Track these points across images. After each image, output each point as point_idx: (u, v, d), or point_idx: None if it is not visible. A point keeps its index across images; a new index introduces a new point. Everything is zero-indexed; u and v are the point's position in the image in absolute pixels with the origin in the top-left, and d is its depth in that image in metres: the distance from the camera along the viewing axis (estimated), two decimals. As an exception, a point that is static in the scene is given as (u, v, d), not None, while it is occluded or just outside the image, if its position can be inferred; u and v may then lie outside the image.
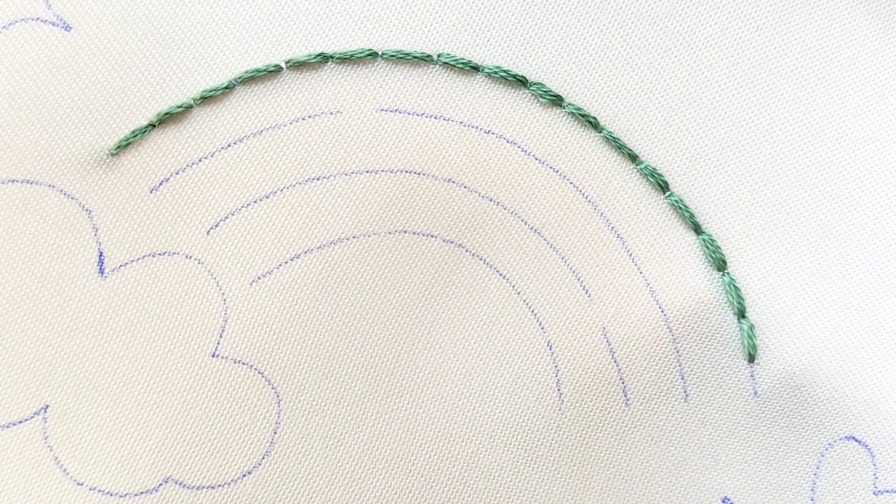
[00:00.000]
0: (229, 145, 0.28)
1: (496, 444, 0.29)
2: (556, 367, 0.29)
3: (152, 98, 0.28)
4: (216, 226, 0.28)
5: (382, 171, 0.29)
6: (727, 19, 0.30)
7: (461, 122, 0.29)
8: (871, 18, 0.30)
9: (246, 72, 0.28)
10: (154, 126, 0.28)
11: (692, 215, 0.29)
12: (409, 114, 0.29)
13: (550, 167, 0.29)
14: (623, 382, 0.29)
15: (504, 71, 0.29)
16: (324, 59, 0.29)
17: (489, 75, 0.29)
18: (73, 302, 0.28)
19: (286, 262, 0.28)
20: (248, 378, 0.28)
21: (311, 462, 0.28)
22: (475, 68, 0.29)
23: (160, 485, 0.28)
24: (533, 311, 0.29)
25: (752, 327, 0.29)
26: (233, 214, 0.28)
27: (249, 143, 0.28)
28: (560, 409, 0.29)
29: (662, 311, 0.29)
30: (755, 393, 0.29)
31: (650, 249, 0.29)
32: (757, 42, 0.30)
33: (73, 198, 0.28)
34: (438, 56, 0.29)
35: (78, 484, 0.28)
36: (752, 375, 0.29)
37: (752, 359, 0.29)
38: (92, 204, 0.28)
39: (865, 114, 0.30)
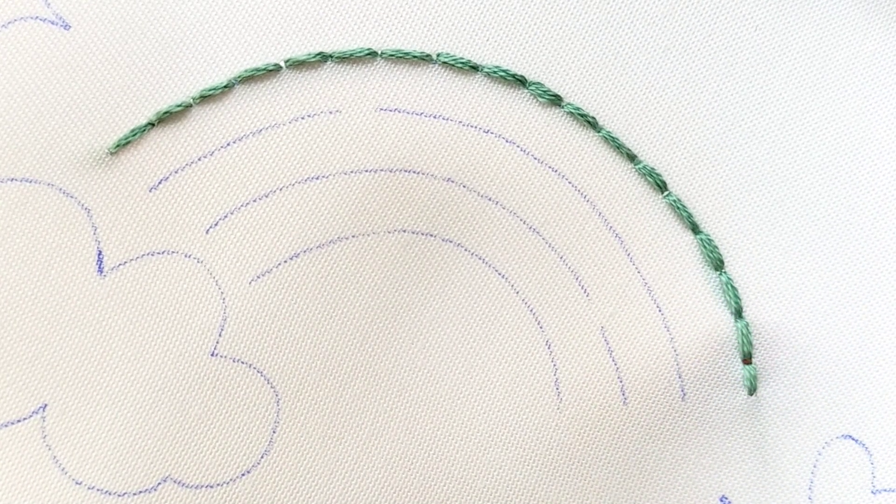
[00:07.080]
0: (228, 144, 0.28)
1: (495, 443, 0.29)
2: (554, 365, 0.29)
3: (152, 97, 0.28)
4: (215, 225, 0.28)
5: (381, 170, 0.29)
6: (726, 19, 0.30)
7: (460, 122, 0.29)
8: (870, 18, 0.30)
9: (245, 71, 0.28)
10: (153, 125, 0.28)
11: (690, 215, 0.30)
12: (408, 113, 0.29)
13: (549, 167, 0.29)
14: (621, 381, 0.29)
15: (503, 70, 0.29)
16: (323, 58, 0.29)
17: (488, 75, 0.29)
18: (71, 301, 0.28)
19: (285, 261, 0.28)
20: (248, 377, 0.28)
21: (310, 461, 0.28)
22: (474, 68, 0.29)
23: (159, 484, 0.28)
24: (531, 310, 0.29)
25: (747, 326, 0.29)
26: (232, 213, 0.28)
27: (249, 142, 0.28)
28: (559, 408, 0.29)
29: (660, 310, 0.29)
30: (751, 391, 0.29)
31: (648, 249, 0.30)
32: (756, 42, 0.30)
33: (72, 196, 0.28)
34: (438, 55, 0.29)
35: (76, 483, 0.28)
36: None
37: (747, 358, 0.29)
38: (91, 203, 0.28)
39: (864, 114, 0.30)
